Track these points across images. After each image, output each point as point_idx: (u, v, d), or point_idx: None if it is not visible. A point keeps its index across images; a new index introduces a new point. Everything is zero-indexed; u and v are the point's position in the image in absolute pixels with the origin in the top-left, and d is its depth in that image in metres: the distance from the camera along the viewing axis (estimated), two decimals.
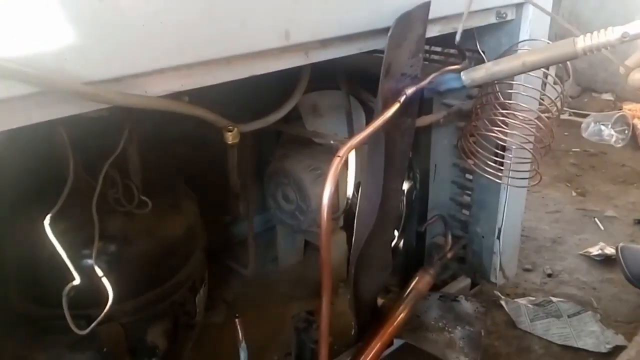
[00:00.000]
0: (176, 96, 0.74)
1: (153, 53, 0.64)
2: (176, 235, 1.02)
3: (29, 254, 0.88)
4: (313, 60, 0.84)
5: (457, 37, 0.97)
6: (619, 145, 2.51)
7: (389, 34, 0.84)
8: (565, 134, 2.62)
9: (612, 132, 2.54)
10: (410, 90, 0.91)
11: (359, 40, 0.89)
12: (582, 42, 0.81)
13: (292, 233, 1.52)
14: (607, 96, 3.06)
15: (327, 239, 0.76)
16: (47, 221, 0.75)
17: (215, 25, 0.68)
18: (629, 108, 2.74)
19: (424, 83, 0.93)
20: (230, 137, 0.87)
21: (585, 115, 2.66)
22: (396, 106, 0.87)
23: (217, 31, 0.69)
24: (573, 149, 2.49)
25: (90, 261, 0.82)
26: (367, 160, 1.01)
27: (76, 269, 0.78)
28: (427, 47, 1.26)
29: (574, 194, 2.12)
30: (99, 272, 0.79)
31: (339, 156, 0.75)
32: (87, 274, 0.80)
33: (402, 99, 0.89)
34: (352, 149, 0.77)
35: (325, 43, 0.84)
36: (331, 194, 0.74)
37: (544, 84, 1.21)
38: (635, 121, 2.61)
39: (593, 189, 2.15)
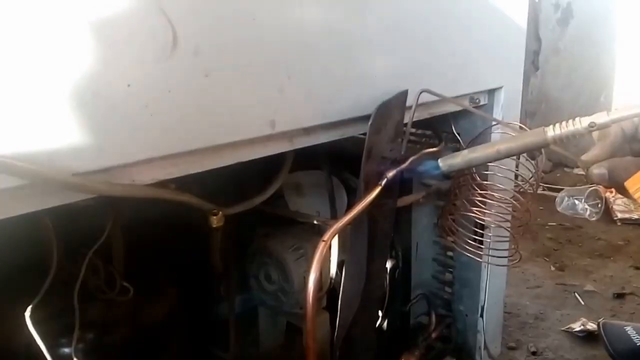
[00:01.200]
0: (163, 184, 0.75)
1: (142, 144, 0.66)
2: (156, 322, 1.00)
3: (6, 344, 0.85)
4: (297, 147, 0.86)
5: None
6: (593, 219, 2.57)
7: (369, 122, 0.87)
8: (541, 208, 2.68)
9: (586, 206, 2.61)
10: (391, 174, 0.93)
11: (341, 127, 0.93)
12: (552, 131, 0.85)
13: (273, 315, 1.49)
14: (579, 171, 3.17)
15: (311, 324, 0.76)
16: (27, 312, 0.73)
17: (204, 117, 0.70)
18: None
19: (403, 166, 0.96)
20: (215, 221, 0.88)
21: (558, 190, 2.74)
22: (378, 189, 0.89)
23: (206, 122, 0.71)
24: (549, 223, 2.55)
25: (68, 350, 0.79)
26: (350, 241, 1.02)
27: (54, 358, 0.76)
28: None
29: (552, 268, 2.14)
30: None
31: (323, 241, 0.75)
32: None
33: (384, 182, 0.91)
34: (336, 233, 0.78)
35: (308, 130, 0.87)
36: (316, 280, 0.74)
37: (518, 164, 1.26)
38: (607, 195, 2.69)
39: (571, 263, 2.18)
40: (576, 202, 2.65)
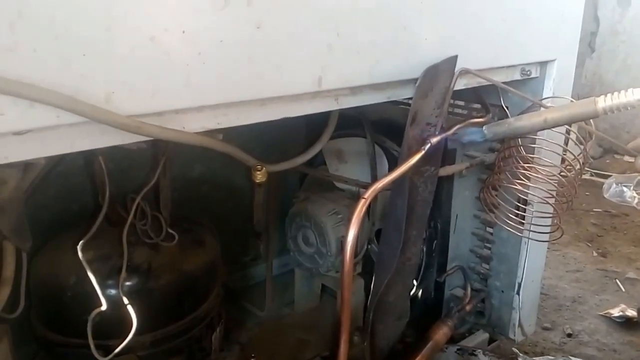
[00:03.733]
0: (211, 133, 0.77)
1: (193, 91, 0.68)
2: (198, 270, 1.04)
3: (55, 280, 0.90)
4: (343, 106, 0.87)
5: None
6: None
7: (416, 84, 0.87)
8: (587, 193, 2.61)
9: (634, 194, 2.52)
10: (435, 139, 0.93)
11: (387, 89, 0.93)
12: (603, 102, 0.83)
13: (310, 277, 1.52)
14: (630, 158, 3.05)
15: (348, 279, 0.77)
16: (79, 247, 0.77)
17: (253, 69, 0.72)
18: None
19: (448, 133, 0.96)
20: (259, 176, 0.90)
21: (607, 176, 2.65)
22: (421, 153, 0.89)
23: (255, 74, 0.72)
24: (594, 209, 2.48)
25: (115, 291, 0.84)
26: (389, 205, 1.03)
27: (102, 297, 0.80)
28: (451, 101, 1.29)
29: (594, 254, 2.09)
30: (125, 301, 0.81)
31: (364, 198, 0.77)
32: (113, 302, 0.82)
33: (427, 147, 0.91)
34: (377, 192, 0.79)
35: (355, 90, 0.87)
36: (356, 234, 0.76)
37: (567, 140, 1.23)
38: None
39: (614, 250, 2.12)
40: (624, 189, 2.55)
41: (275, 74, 0.74)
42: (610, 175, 2.82)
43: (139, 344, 0.93)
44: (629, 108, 0.80)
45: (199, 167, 1.38)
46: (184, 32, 0.65)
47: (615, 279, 1.88)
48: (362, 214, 0.76)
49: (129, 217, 0.83)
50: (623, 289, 1.82)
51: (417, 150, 0.92)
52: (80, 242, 0.78)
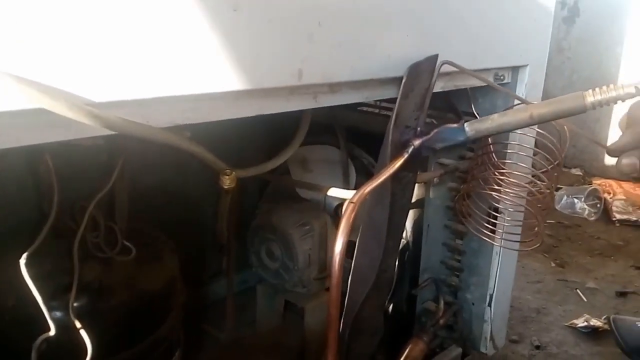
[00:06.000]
0: (178, 131, 0.68)
1: (159, 79, 0.59)
2: (157, 288, 0.93)
3: None
4: (321, 105, 0.80)
5: None
6: (592, 219, 2.54)
7: (403, 81, 0.81)
8: (539, 205, 2.65)
9: (585, 205, 2.59)
10: (417, 142, 0.88)
11: (366, 88, 0.87)
12: (592, 96, 0.80)
13: (272, 294, 1.43)
14: (576, 171, 3.14)
15: (336, 293, 0.70)
16: (22, 262, 0.66)
17: (227, 55, 0.64)
18: (598, 183, 2.81)
19: (430, 135, 0.90)
20: (227, 181, 0.81)
21: (557, 189, 2.70)
22: (405, 156, 0.84)
23: (229, 62, 0.64)
24: (548, 221, 2.51)
25: (63, 312, 0.72)
26: (367, 215, 0.96)
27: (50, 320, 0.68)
28: None
29: (553, 264, 2.10)
30: (77, 324, 0.70)
31: (352, 202, 0.69)
32: (61, 326, 0.70)
33: (410, 149, 0.86)
34: (365, 196, 0.72)
35: (334, 88, 0.81)
36: (345, 243, 0.68)
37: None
38: (606, 195, 2.67)
39: (571, 261, 2.14)
40: (575, 200, 2.62)
41: (252, 63, 0.67)
42: (561, 188, 2.90)
43: None
44: (617, 102, 0.77)
45: (149, 177, 1.27)
46: (148, 12, 0.56)
47: (575, 289, 1.89)
48: (351, 220, 0.69)
49: (79, 229, 0.72)
50: (585, 299, 1.82)
51: (400, 154, 0.86)
52: (23, 257, 0.66)
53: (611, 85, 0.78)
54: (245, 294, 1.54)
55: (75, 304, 0.76)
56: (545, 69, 1.25)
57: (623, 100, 0.77)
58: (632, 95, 0.76)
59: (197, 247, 1.29)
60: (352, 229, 1.18)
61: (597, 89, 0.79)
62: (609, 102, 0.78)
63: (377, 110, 1.34)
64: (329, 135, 1.26)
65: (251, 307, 1.50)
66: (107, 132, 0.57)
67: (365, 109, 1.54)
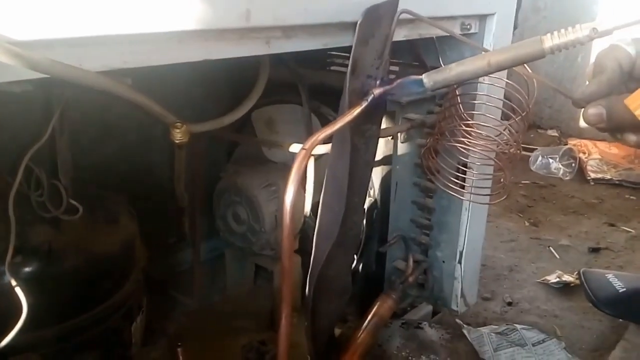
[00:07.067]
0: (118, 77, 0.64)
1: (93, 17, 0.55)
2: (111, 252, 0.89)
3: None
4: (275, 51, 0.76)
5: None
6: (567, 178, 2.55)
7: (357, 24, 0.77)
8: (505, 156, 2.65)
9: (560, 165, 2.59)
10: (377, 91, 0.84)
11: (324, 34, 0.83)
12: (550, 40, 0.76)
13: (242, 258, 1.41)
14: (552, 132, 3.14)
15: (289, 245, 0.67)
16: None
17: None
18: (573, 143, 2.82)
19: (392, 85, 0.87)
20: (178, 135, 0.77)
21: (532, 150, 2.70)
22: (364, 104, 0.80)
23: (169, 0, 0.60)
24: (523, 181, 2.51)
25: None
26: (329, 169, 0.93)
27: None
28: None
29: (526, 224, 2.10)
30: (12, 282, 0.66)
31: (304, 149, 0.66)
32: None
33: (370, 98, 0.82)
34: (317, 144, 0.69)
35: (288, 32, 0.77)
36: (295, 192, 0.65)
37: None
38: (581, 155, 2.67)
39: (545, 220, 2.15)
40: (550, 161, 2.62)
41: (195, 1, 0.62)
42: (536, 149, 2.89)
43: (40, 339, 0.78)
44: (576, 45, 0.74)
45: (112, 142, 1.22)
46: None
47: (549, 246, 1.89)
48: (302, 167, 0.66)
49: (14, 183, 0.68)
50: (557, 256, 1.83)
51: (359, 103, 0.83)
52: None
53: (569, 28, 0.75)
54: (217, 261, 1.51)
55: (17, 268, 0.72)
56: (522, 30, 1.22)
57: (582, 44, 0.74)
58: (591, 38, 0.72)
59: (162, 213, 1.25)
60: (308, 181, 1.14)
61: (555, 32, 0.75)
62: (568, 46, 0.75)
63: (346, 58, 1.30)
64: (293, 93, 1.22)
65: (222, 274, 1.48)
66: (33, 74, 0.53)
67: (336, 68, 1.50)
